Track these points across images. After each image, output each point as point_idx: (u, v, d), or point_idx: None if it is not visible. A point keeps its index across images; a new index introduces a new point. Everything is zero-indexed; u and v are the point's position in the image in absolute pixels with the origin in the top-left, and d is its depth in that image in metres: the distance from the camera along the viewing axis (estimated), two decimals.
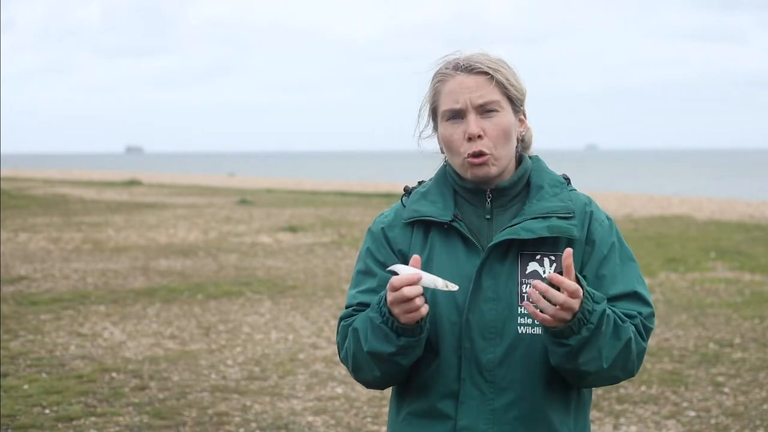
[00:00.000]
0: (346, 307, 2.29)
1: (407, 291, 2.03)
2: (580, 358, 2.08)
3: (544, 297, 2.02)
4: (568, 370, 2.13)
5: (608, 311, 2.10)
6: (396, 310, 2.07)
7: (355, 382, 6.54)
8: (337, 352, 2.34)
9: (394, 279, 2.05)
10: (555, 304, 2.01)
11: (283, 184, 40.59)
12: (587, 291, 2.05)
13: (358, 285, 2.28)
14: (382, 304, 2.11)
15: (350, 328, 2.21)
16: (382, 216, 2.34)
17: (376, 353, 2.14)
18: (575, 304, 2.02)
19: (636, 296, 2.21)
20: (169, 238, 16.02)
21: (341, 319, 2.28)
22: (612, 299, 2.18)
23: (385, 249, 2.27)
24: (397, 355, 2.13)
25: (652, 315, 2.22)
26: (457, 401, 2.19)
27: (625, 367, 2.16)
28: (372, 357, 2.15)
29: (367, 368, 2.19)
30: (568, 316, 2.03)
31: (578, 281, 2.05)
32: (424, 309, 2.07)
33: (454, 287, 2.09)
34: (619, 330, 2.12)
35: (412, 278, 2.04)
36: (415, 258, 2.09)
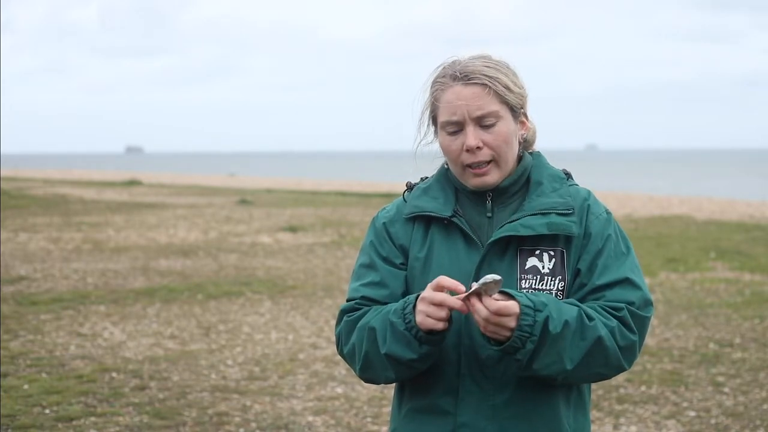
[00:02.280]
0: (348, 300, 2.27)
1: (449, 301, 2.04)
2: (535, 365, 2.08)
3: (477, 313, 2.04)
4: (532, 376, 2.13)
5: (565, 316, 2.08)
6: (421, 307, 2.07)
7: (355, 382, 6.54)
8: (336, 347, 2.32)
9: (443, 278, 2.05)
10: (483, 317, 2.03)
11: (283, 184, 40.58)
12: (525, 305, 2.04)
13: (361, 278, 2.28)
14: (408, 311, 2.10)
15: (364, 325, 2.19)
16: (384, 211, 2.34)
17: (395, 357, 2.13)
18: (504, 321, 2.02)
19: (627, 282, 2.18)
20: (169, 238, 16.02)
21: (343, 312, 2.26)
22: (602, 288, 2.17)
23: (387, 244, 2.28)
24: (416, 362, 2.13)
25: (646, 303, 2.19)
26: (457, 397, 2.19)
27: (607, 363, 2.13)
28: (389, 360, 2.14)
29: (381, 369, 2.18)
30: (504, 332, 2.03)
31: (514, 297, 2.05)
32: (442, 325, 2.06)
33: None
34: (585, 329, 2.09)
35: (458, 287, 2.04)
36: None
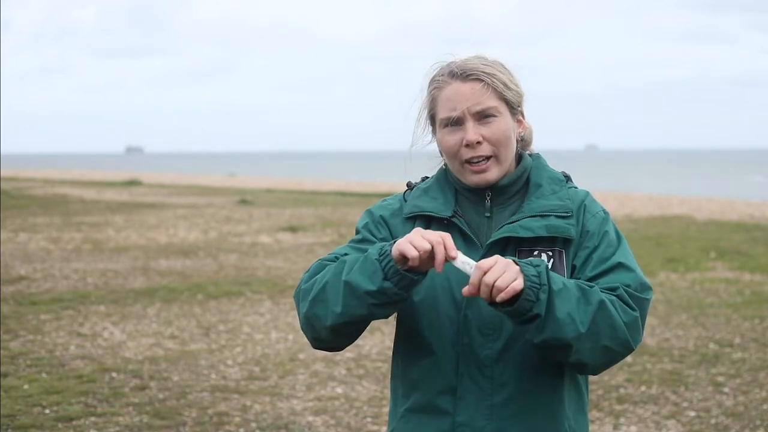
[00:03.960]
0: (330, 254, 2.26)
1: (438, 245, 2.00)
2: (553, 324, 2.03)
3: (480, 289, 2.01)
4: (550, 347, 2.07)
5: (561, 279, 2.07)
6: (411, 234, 2.03)
7: (355, 381, 6.55)
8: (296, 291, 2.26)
9: (448, 235, 2.03)
10: (489, 283, 1.98)
11: (283, 184, 40.59)
12: (522, 261, 2.03)
13: (351, 243, 2.27)
14: (387, 245, 2.08)
15: (336, 262, 2.16)
16: (384, 202, 2.34)
17: (353, 285, 2.07)
18: (509, 274, 1.98)
19: (619, 267, 2.17)
20: (169, 238, 16.02)
21: (320, 259, 2.24)
22: (595, 277, 2.16)
23: (384, 229, 2.28)
24: (371, 297, 2.06)
25: (643, 285, 2.17)
26: (455, 397, 2.19)
27: (614, 336, 2.09)
28: (346, 288, 2.08)
29: (332, 300, 2.11)
30: (514, 288, 1.98)
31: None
32: (415, 254, 2.00)
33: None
34: (587, 293, 2.08)
35: (451, 247, 2.02)
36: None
